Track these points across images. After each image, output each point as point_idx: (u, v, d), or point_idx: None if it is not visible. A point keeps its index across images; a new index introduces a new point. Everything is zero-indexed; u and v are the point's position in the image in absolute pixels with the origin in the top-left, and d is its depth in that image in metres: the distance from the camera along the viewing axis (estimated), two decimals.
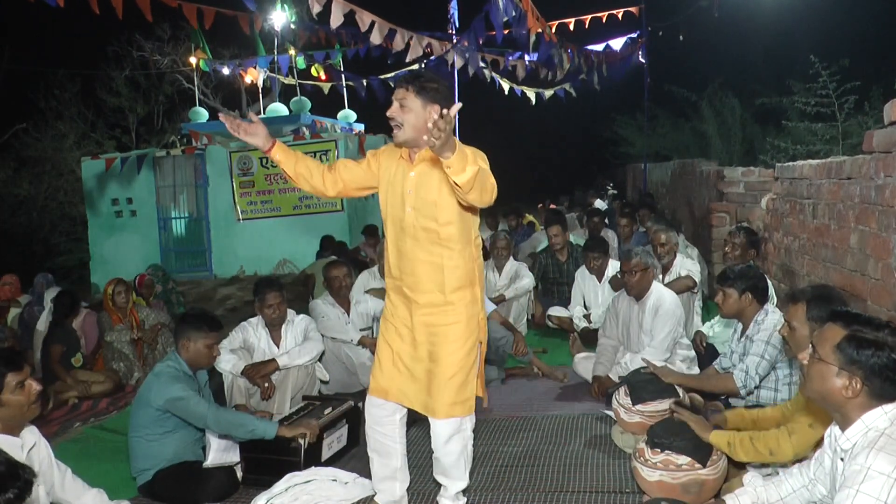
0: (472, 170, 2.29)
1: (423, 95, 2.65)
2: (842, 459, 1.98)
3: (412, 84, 2.65)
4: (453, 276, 2.76)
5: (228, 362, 4.16)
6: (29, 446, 2.54)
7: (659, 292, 4.50)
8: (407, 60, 8.15)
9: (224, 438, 3.39)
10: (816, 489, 2.19)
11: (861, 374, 1.91)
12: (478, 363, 2.86)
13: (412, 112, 2.65)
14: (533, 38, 7.94)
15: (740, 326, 3.67)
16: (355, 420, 3.92)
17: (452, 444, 2.82)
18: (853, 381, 1.93)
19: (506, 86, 11.45)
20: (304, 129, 10.75)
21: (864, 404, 1.93)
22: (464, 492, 2.99)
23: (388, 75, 11.51)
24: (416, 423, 3.68)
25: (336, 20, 5.82)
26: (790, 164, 5.52)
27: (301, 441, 3.42)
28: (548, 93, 12.14)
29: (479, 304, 2.86)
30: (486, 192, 2.45)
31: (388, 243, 2.89)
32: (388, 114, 2.70)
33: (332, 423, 3.69)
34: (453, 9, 7.74)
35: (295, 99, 11.42)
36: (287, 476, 3.24)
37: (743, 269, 3.62)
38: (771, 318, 3.45)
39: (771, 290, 4.72)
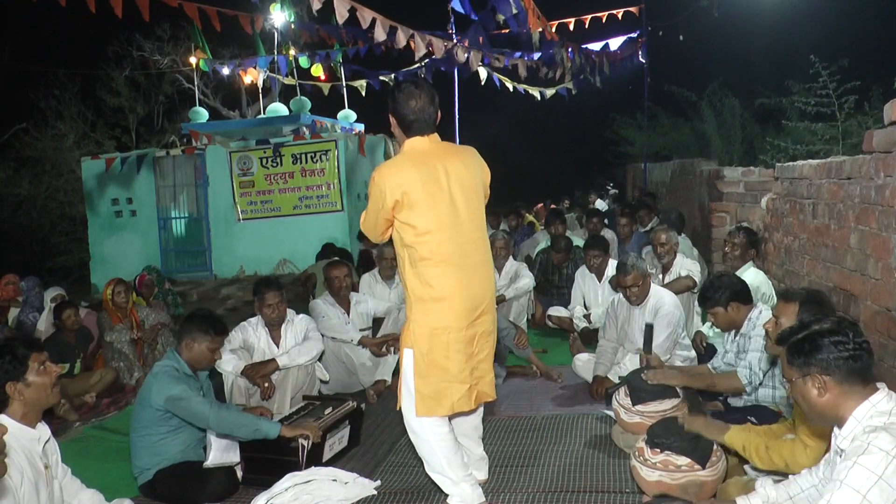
0: None
1: None
2: (840, 456, 2.00)
3: None
4: None
5: (229, 363, 4.16)
6: (45, 439, 2.59)
7: (658, 294, 4.50)
8: (413, 58, 8.12)
9: (225, 438, 3.38)
10: (826, 489, 2.20)
11: (818, 370, 2.00)
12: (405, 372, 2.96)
13: None
14: (535, 36, 7.91)
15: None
16: (357, 421, 3.92)
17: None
18: (817, 380, 2.00)
19: (508, 85, 11.42)
20: (304, 129, 10.73)
21: (846, 397, 1.98)
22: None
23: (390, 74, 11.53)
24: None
25: (340, 17, 5.81)
26: (790, 164, 5.52)
27: (304, 442, 3.41)
28: (549, 91, 12.13)
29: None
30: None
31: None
32: None
33: (335, 424, 3.69)
34: (454, 4, 7.68)
35: (295, 99, 11.40)
36: (287, 476, 3.25)
37: (714, 284, 3.65)
38: (766, 314, 3.46)
39: (771, 291, 4.73)
